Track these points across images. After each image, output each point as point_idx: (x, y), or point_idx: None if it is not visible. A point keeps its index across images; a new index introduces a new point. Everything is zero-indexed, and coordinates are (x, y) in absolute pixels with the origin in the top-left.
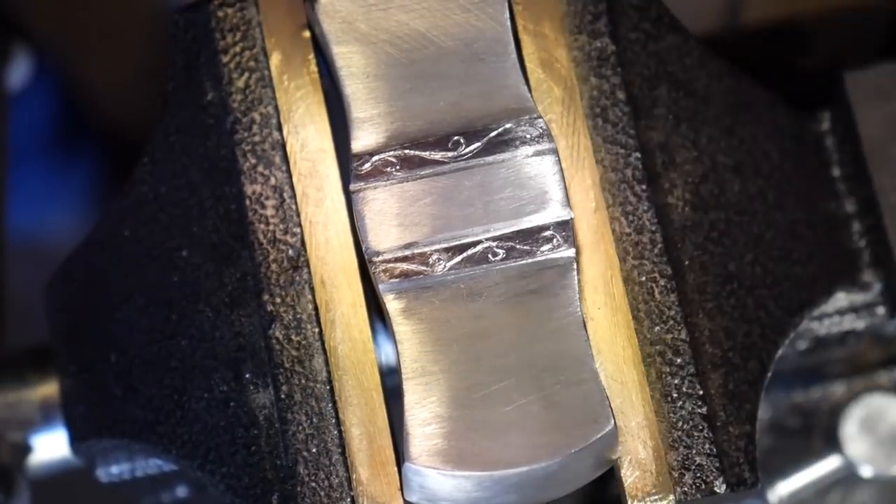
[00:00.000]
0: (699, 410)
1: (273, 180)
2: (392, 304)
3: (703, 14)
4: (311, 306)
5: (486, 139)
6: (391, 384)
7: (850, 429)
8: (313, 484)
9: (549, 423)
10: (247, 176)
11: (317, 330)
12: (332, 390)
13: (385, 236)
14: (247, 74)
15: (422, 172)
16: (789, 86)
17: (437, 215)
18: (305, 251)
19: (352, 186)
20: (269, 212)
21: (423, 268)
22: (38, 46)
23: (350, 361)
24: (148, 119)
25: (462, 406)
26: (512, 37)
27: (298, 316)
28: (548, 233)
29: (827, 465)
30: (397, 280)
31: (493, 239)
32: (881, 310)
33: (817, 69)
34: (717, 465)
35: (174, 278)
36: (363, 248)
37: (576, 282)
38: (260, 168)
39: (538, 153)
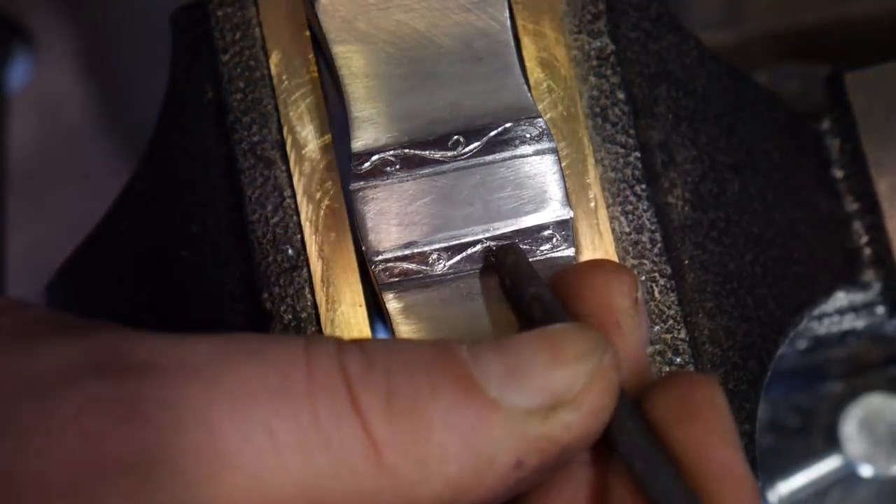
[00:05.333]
0: None
1: (273, 180)
2: (392, 304)
3: (702, 14)
4: (310, 306)
5: (485, 138)
6: None
7: (850, 428)
8: None
9: None
10: (246, 175)
11: (316, 330)
12: None
13: (385, 236)
14: (246, 74)
15: (421, 172)
16: (789, 86)
17: (436, 214)
18: (305, 251)
19: (351, 186)
20: (269, 211)
21: (423, 267)
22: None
23: None
24: None
25: None
26: (512, 36)
27: (298, 315)
28: (547, 232)
29: (827, 465)
30: (397, 279)
31: (493, 238)
32: (881, 309)
33: (817, 69)
34: None
35: (174, 278)
36: (363, 248)
37: None
38: (260, 167)
39: (538, 152)
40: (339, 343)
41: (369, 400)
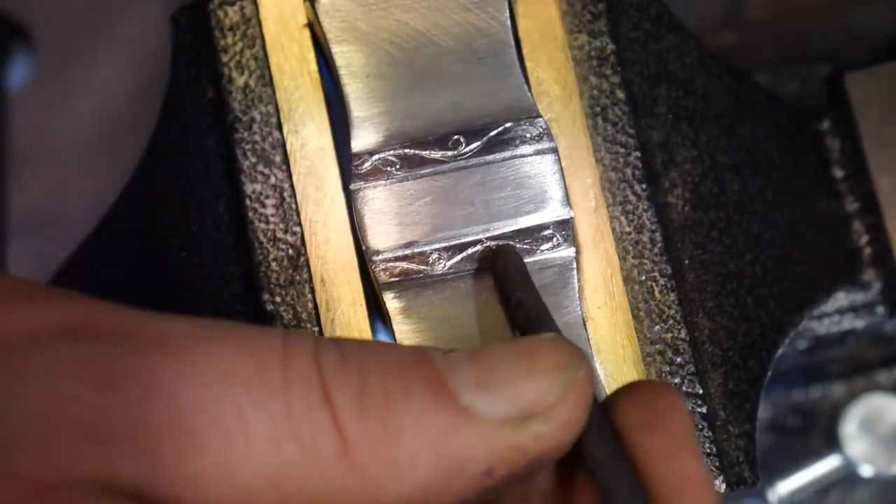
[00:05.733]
0: (699, 410)
1: (273, 179)
2: (392, 304)
3: (703, 14)
4: (310, 305)
5: (485, 138)
6: None
7: (850, 428)
8: None
9: None
10: (247, 175)
11: (316, 329)
12: None
13: (385, 235)
14: (247, 73)
15: (422, 171)
16: (789, 86)
17: (436, 214)
18: (305, 250)
19: (352, 185)
20: (269, 211)
21: (423, 267)
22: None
23: None
24: None
25: None
26: (512, 36)
27: (298, 315)
28: (547, 232)
29: (827, 465)
30: (397, 279)
31: (493, 238)
32: (881, 309)
33: (818, 69)
34: (717, 464)
35: (174, 278)
36: (363, 248)
37: (575, 281)
38: (260, 167)
39: (538, 152)
40: (316, 339)
41: (342, 395)
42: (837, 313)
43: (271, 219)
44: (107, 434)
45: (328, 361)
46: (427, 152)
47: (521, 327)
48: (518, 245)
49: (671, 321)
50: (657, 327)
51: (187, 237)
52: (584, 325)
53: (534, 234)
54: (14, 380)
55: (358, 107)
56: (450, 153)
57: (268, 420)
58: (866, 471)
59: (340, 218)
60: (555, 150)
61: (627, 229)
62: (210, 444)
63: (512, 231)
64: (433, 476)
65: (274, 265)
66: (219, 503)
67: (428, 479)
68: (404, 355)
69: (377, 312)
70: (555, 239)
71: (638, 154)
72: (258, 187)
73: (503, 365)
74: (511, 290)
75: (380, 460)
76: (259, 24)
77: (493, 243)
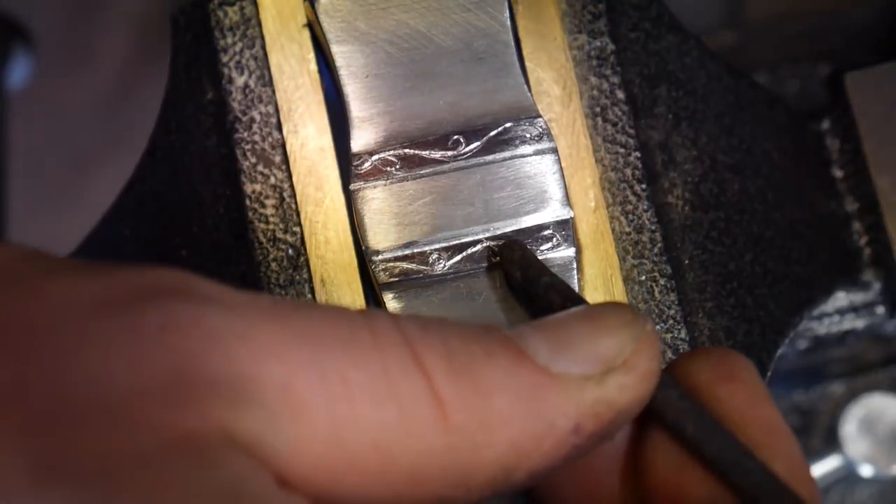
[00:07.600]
0: None
1: (273, 179)
2: (392, 304)
3: (703, 14)
4: None
5: (485, 138)
6: None
7: (850, 428)
8: None
9: None
10: (246, 175)
11: None
12: None
13: (384, 235)
14: (246, 73)
15: (421, 171)
16: (789, 86)
17: (436, 214)
18: (305, 250)
19: (351, 186)
20: (269, 211)
21: (423, 267)
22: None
23: None
24: None
25: None
26: (512, 36)
27: None
28: (547, 232)
29: (827, 465)
30: (397, 279)
31: (493, 238)
32: (881, 309)
33: (817, 69)
34: None
35: None
36: (363, 248)
37: (575, 281)
38: (260, 167)
39: (538, 152)
40: (391, 312)
41: (431, 357)
42: (837, 313)
43: (271, 219)
44: (229, 390)
45: (410, 328)
46: (427, 152)
47: (559, 305)
48: None
49: (671, 321)
50: (657, 327)
51: (187, 237)
52: None
53: (534, 234)
54: (129, 333)
55: (358, 107)
56: (450, 153)
57: (367, 380)
58: (866, 471)
59: (340, 218)
60: (555, 150)
61: (627, 229)
62: (320, 404)
63: (512, 231)
64: (524, 435)
65: (274, 265)
66: (326, 471)
67: (519, 438)
68: (473, 326)
69: None
70: (555, 239)
71: (638, 154)
72: (258, 187)
73: (572, 328)
74: (537, 275)
75: (474, 421)
76: (259, 24)
77: (493, 243)
